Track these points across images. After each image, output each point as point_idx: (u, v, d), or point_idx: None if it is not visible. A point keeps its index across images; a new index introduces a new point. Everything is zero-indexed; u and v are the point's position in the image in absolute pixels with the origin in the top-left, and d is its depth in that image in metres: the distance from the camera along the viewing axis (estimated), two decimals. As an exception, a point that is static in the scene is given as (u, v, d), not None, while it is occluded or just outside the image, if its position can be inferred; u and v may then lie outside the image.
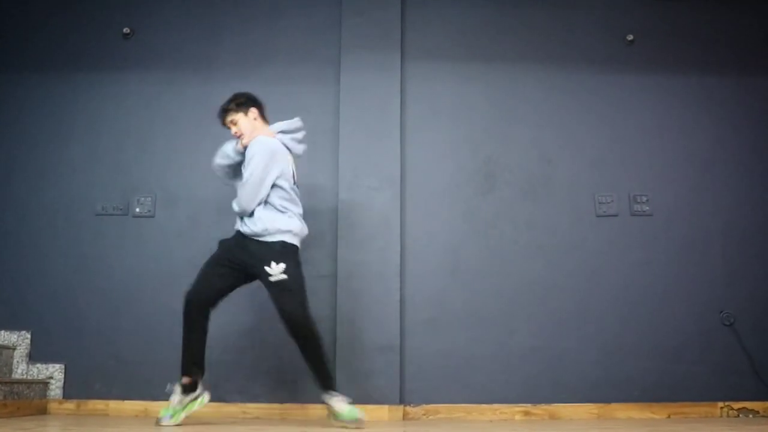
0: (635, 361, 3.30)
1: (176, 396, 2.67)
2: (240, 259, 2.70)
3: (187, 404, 2.69)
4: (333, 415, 2.65)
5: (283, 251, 2.67)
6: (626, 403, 3.23)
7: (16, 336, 3.30)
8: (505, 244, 3.44)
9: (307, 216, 2.90)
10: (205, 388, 2.75)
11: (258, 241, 2.68)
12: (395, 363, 3.22)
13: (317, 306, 3.09)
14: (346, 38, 3.57)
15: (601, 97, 3.62)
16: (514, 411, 3.20)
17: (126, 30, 3.64)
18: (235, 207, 2.73)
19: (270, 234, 2.66)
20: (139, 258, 3.40)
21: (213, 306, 2.70)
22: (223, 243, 2.79)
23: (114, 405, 3.20)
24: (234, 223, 2.82)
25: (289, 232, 2.69)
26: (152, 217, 3.45)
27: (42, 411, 3.15)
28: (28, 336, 3.31)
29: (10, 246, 3.44)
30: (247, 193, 2.67)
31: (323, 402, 2.69)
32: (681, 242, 3.45)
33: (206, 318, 2.69)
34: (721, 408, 3.23)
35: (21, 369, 3.25)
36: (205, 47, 3.66)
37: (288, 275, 2.63)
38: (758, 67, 3.66)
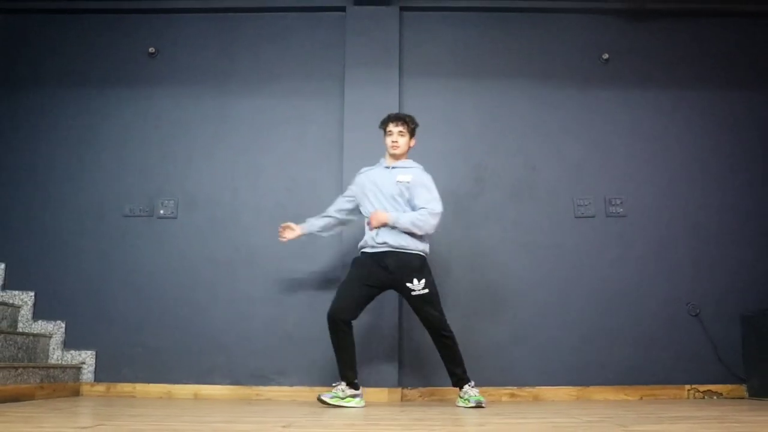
0: (611, 348, 3.49)
1: (341, 386, 2.86)
2: (380, 278, 2.88)
3: (347, 397, 2.84)
4: (464, 399, 2.85)
5: (422, 265, 2.89)
6: (602, 386, 3.42)
7: (52, 325, 3.50)
8: (494, 242, 3.62)
9: (314, 220, 3.14)
10: (361, 394, 2.90)
11: (398, 253, 2.85)
12: (394, 350, 3.38)
13: (323, 300, 3.24)
14: (349, 56, 3.74)
15: (581, 110, 3.80)
16: (501, 393, 3.38)
17: (151, 49, 3.85)
18: (431, 229, 2.88)
19: (410, 248, 2.88)
20: (163, 255, 3.60)
21: (355, 318, 2.87)
22: (360, 263, 2.94)
23: (140, 388, 3.39)
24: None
25: (425, 246, 2.93)
26: (175, 218, 3.64)
27: (75, 393, 3.35)
28: (63, 325, 3.51)
29: (47, 244, 3.62)
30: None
31: (461, 390, 2.89)
32: (652, 241, 3.63)
33: (351, 328, 2.86)
34: (688, 390, 3.42)
35: (56, 355, 3.46)
36: (221, 64, 3.85)
37: (428, 289, 2.85)
38: (722, 82, 3.85)
